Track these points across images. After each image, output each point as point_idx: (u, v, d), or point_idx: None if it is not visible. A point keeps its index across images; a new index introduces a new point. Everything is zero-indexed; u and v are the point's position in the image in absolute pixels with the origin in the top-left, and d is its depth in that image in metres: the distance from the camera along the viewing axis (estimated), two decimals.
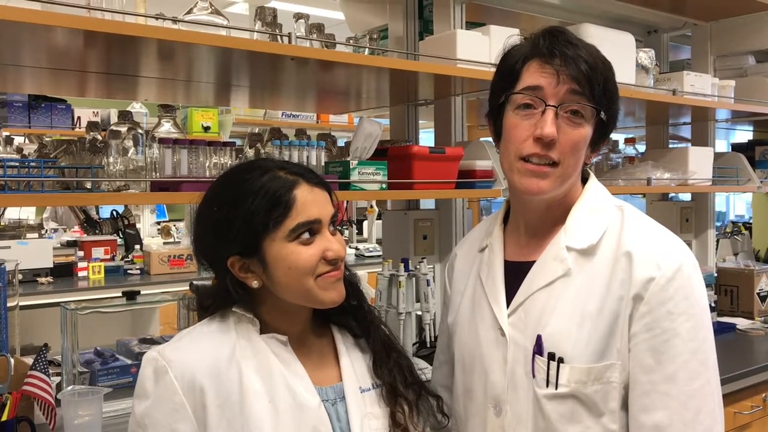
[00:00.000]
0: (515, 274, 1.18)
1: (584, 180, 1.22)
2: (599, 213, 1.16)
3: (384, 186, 1.82)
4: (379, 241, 5.03)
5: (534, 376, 1.10)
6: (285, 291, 1.07)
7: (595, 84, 1.08)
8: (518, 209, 1.22)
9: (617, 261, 1.10)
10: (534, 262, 1.16)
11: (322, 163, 1.78)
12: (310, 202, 1.06)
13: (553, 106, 1.08)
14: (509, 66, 1.14)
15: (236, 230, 1.05)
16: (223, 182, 1.11)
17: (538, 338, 1.11)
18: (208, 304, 1.13)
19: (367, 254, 4.86)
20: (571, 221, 1.15)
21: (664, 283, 1.06)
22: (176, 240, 5.08)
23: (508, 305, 1.16)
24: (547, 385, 1.09)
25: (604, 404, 1.08)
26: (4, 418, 1.43)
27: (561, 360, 1.08)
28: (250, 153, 1.94)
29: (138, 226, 4.78)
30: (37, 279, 3.60)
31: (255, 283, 1.08)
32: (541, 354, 1.10)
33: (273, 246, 1.05)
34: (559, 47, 1.08)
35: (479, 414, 1.18)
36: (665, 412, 1.04)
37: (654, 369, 1.05)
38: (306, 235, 1.05)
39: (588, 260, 1.12)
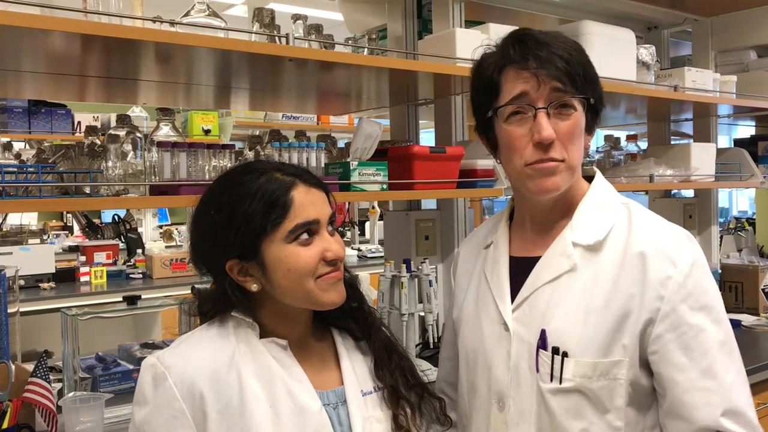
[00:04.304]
0: (520, 269, 1.18)
1: (590, 177, 1.22)
2: (606, 210, 1.16)
3: (385, 187, 1.81)
4: (381, 242, 5.02)
5: (538, 370, 1.10)
6: (285, 293, 1.06)
7: (575, 75, 1.09)
8: (524, 206, 1.23)
9: (627, 258, 1.10)
10: (539, 257, 1.16)
11: (323, 165, 1.78)
12: (308, 202, 1.06)
13: (542, 108, 1.08)
14: (486, 78, 1.13)
15: (234, 233, 1.04)
16: (220, 185, 1.10)
17: (542, 332, 1.11)
18: (207, 309, 1.12)
19: (369, 255, 4.85)
20: (578, 217, 1.16)
21: (682, 280, 1.07)
22: (178, 243, 5.08)
23: (513, 300, 1.16)
24: (551, 380, 1.09)
25: (610, 401, 1.07)
26: (5, 425, 1.42)
27: (565, 354, 1.08)
28: (249, 155, 1.94)
29: (140, 230, 4.78)
30: (40, 284, 3.59)
31: (254, 287, 1.07)
32: (545, 348, 1.10)
33: (271, 248, 1.04)
34: (531, 51, 1.08)
35: (483, 409, 1.18)
36: (708, 408, 1.04)
37: (688, 366, 1.05)
38: (305, 236, 1.05)
39: (594, 256, 1.12)
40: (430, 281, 2.06)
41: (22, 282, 3.36)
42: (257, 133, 2.18)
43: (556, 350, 1.09)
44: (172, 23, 1.48)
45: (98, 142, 1.74)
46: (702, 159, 2.70)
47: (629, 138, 2.93)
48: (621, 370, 1.07)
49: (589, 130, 1.16)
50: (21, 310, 1.84)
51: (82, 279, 3.77)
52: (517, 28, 1.17)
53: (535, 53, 1.08)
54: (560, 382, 1.08)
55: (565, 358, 1.08)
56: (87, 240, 4.30)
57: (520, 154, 1.11)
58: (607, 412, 1.07)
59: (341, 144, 2.22)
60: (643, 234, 1.12)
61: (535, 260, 1.16)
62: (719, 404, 1.04)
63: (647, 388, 1.10)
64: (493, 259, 1.23)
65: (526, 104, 1.09)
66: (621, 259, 1.10)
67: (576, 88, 1.09)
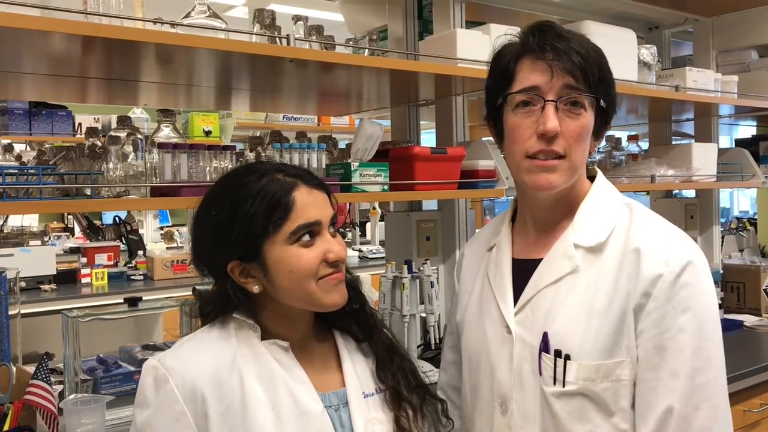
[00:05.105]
0: (523, 271, 1.17)
1: (592, 177, 1.21)
2: (607, 211, 1.16)
3: (386, 188, 1.81)
4: (382, 243, 5.02)
5: (541, 373, 1.10)
6: (286, 295, 1.06)
7: (589, 74, 1.08)
8: (525, 206, 1.22)
9: (625, 257, 1.09)
10: (542, 259, 1.16)
11: (323, 166, 1.77)
12: (310, 204, 1.05)
13: (551, 100, 1.08)
14: (502, 66, 1.13)
15: (236, 234, 1.03)
16: (221, 186, 1.10)
17: (545, 335, 1.10)
18: (209, 311, 1.12)
19: (370, 256, 4.84)
20: (580, 218, 1.15)
21: (671, 280, 1.05)
22: (179, 245, 5.07)
23: (515, 303, 1.16)
24: (555, 383, 1.08)
25: (615, 403, 1.07)
26: (6, 428, 1.42)
27: (568, 357, 1.07)
28: (250, 156, 1.93)
29: (141, 231, 4.77)
30: (41, 286, 3.59)
31: (256, 288, 1.06)
32: (547, 351, 1.09)
33: (273, 249, 1.04)
34: (550, 41, 1.08)
35: (486, 412, 1.17)
36: (665, 407, 1.03)
37: (659, 365, 1.05)
38: (306, 238, 1.04)
39: (596, 257, 1.11)
40: (431, 282, 2.05)
41: (23, 284, 3.35)
42: (258, 135, 2.17)
43: (558, 353, 1.08)
44: (173, 24, 1.48)
45: (99, 143, 1.74)
46: (703, 159, 2.70)
47: (630, 138, 2.93)
48: (624, 370, 1.06)
49: (597, 134, 1.15)
50: (22, 311, 1.84)
51: (83, 280, 3.76)
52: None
53: (554, 44, 1.07)
54: (563, 385, 1.07)
55: (568, 361, 1.07)
56: (88, 241, 4.29)
57: (522, 144, 1.10)
58: (613, 415, 1.07)
59: (342, 145, 2.22)
60: (641, 232, 1.11)
61: (537, 262, 1.16)
62: (678, 407, 1.02)
63: None
64: (496, 261, 1.22)
65: (536, 95, 1.08)
66: (621, 258, 1.09)
67: (589, 86, 1.08)
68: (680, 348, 1.04)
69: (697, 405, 1.03)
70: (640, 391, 1.06)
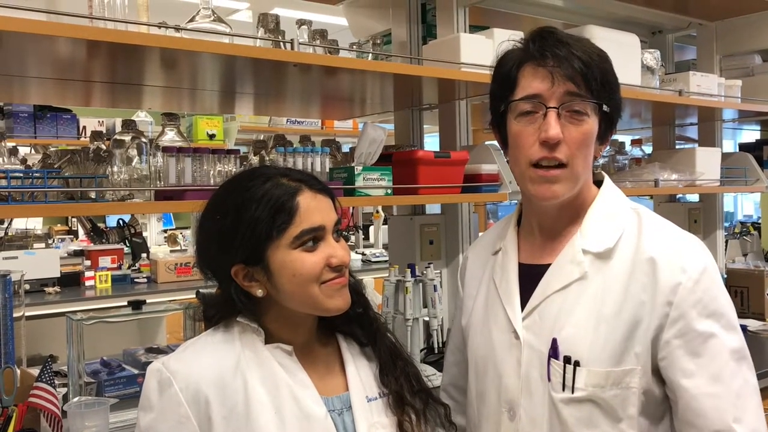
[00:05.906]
0: (530, 277, 1.17)
1: (599, 182, 1.21)
2: (615, 216, 1.15)
3: (389, 191, 1.81)
4: (385, 247, 5.02)
5: (549, 379, 1.10)
6: (290, 299, 1.06)
7: (591, 79, 1.08)
8: (531, 212, 1.22)
9: (637, 265, 1.09)
10: (549, 264, 1.15)
11: (327, 170, 1.78)
12: (314, 208, 1.06)
13: (553, 107, 1.07)
14: (504, 73, 1.13)
15: (240, 238, 1.04)
16: (226, 190, 1.11)
17: (554, 341, 1.10)
18: (212, 314, 1.12)
19: (373, 260, 4.84)
20: (588, 224, 1.15)
21: (691, 286, 1.06)
22: (183, 248, 5.08)
23: (522, 308, 1.15)
24: (563, 389, 1.08)
25: (623, 410, 1.07)
26: (10, 430, 1.43)
27: (577, 363, 1.07)
28: (254, 160, 1.94)
29: (144, 234, 4.78)
30: (45, 289, 3.60)
31: (259, 292, 1.07)
32: (556, 357, 1.09)
33: (277, 253, 1.04)
34: (550, 48, 1.08)
35: (492, 418, 1.17)
36: (717, 413, 1.03)
37: (696, 372, 1.05)
38: (310, 242, 1.05)
39: (605, 263, 1.11)
40: (434, 286, 2.05)
41: (27, 286, 3.36)
42: (262, 138, 2.18)
43: (567, 359, 1.08)
44: (177, 29, 1.49)
45: (103, 147, 1.74)
46: (707, 163, 2.70)
47: (634, 142, 2.93)
48: (633, 378, 1.06)
49: (602, 139, 1.15)
50: (26, 314, 1.84)
51: (87, 283, 3.78)
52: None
53: (554, 51, 1.07)
54: (572, 392, 1.07)
55: (577, 368, 1.07)
56: (92, 244, 4.30)
57: (525, 151, 1.10)
58: (620, 422, 1.07)
59: (346, 149, 2.22)
60: (653, 240, 1.11)
61: (544, 267, 1.15)
62: (729, 410, 1.03)
63: (659, 396, 1.09)
64: (502, 266, 1.22)
65: (538, 102, 1.08)
66: (631, 265, 1.09)
67: (591, 92, 1.08)
68: (715, 351, 1.05)
69: (745, 406, 1.04)
70: (683, 401, 1.05)
